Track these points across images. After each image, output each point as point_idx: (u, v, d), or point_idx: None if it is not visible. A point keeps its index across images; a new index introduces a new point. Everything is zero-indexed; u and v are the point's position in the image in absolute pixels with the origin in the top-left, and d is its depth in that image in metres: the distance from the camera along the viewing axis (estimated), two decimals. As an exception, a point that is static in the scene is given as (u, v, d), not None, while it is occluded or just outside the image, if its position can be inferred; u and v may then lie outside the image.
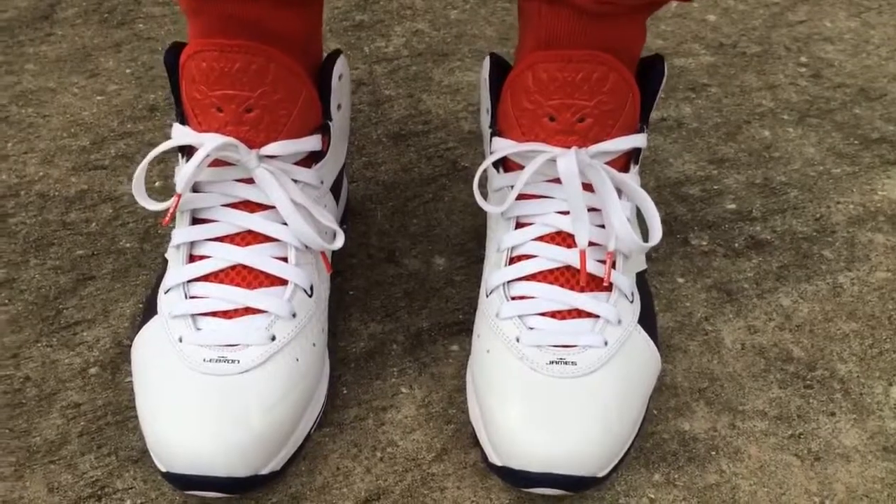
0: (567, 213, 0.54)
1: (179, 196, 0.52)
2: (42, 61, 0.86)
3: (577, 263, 0.53)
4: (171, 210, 0.53)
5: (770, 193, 0.74)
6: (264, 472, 0.49)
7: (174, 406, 0.49)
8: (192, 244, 0.54)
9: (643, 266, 0.57)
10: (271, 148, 0.53)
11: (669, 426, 0.56)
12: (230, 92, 0.52)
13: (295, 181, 0.54)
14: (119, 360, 0.59)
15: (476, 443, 0.54)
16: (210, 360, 0.50)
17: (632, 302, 0.54)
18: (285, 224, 0.54)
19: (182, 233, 0.54)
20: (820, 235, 0.70)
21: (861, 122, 0.82)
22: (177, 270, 0.54)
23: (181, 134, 0.54)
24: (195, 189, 0.55)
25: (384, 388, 0.58)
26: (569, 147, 0.53)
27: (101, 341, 0.60)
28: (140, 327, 0.55)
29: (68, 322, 0.61)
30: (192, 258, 0.54)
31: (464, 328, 0.62)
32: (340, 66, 0.57)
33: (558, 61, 0.51)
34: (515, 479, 0.50)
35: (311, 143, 0.55)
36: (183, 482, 0.48)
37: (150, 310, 0.55)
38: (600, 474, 0.49)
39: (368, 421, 0.56)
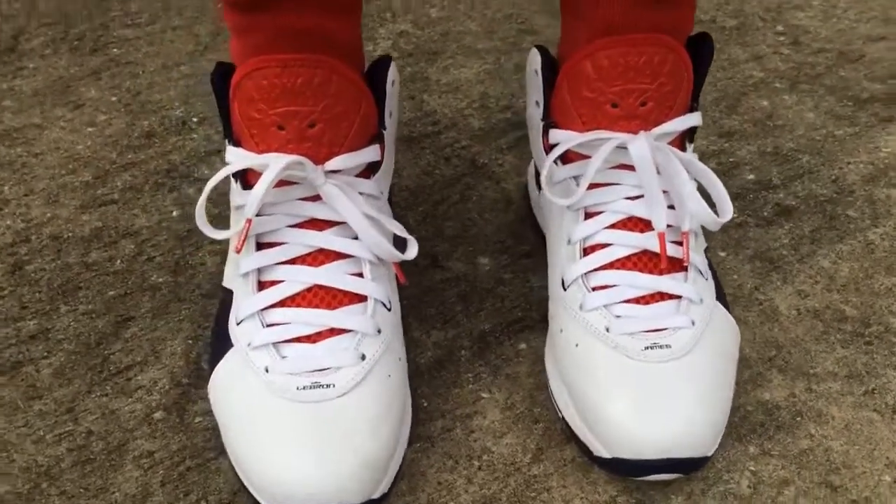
0: (635, 198, 0.54)
1: (250, 221, 0.50)
2: (19, 97, 0.81)
3: (653, 247, 0.53)
4: (242, 237, 0.50)
5: (783, 161, 0.76)
6: (376, 496, 0.48)
7: (275, 441, 0.47)
8: (260, 270, 0.52)
9: (705, 243, 0.58)
10: (335, 162, 0.52)
11: (751, 398, 0.57)
12: (293, 108, 0.50)
13: (360, 194, 0.53)
14: (183, 401, 0.56)
15: (569, 438, 0.54)
16: (304, 388, 0.48)
17: (707, 279, 0.54)
18: (356, 239, 0.52)
19: (250, 260, 0.52)
20: (840, 196, 0.72)
21: (850, 84, 0.85)
22: (248, 299, 0.52)
23: (240, 157, 0.52)
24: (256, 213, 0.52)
25: (463, 395, 0.57)
26: (632, 132, 0.53)
27: (159, 383, 0.57)
28: (213, 363, 0.52)
29: (118, 367, 0.58)
30: (261, 285, 0.52)
31: (526, 325, 0.61)
32: (393, 72, 0.55)
33: (621, 47, 0.51)
34: (628, 469, 0.49)
35: (371, 153, 0.53)
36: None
37: (221, 344, 0.53)
38: (710, 453, 0.50)
39: (457, 431, 0.55)
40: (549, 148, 0.57)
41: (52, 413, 0.55)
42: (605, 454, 0.50)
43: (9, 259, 0.65)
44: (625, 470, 0.50)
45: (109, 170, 0.74)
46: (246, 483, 0.49)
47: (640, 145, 0.52)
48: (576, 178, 0.55)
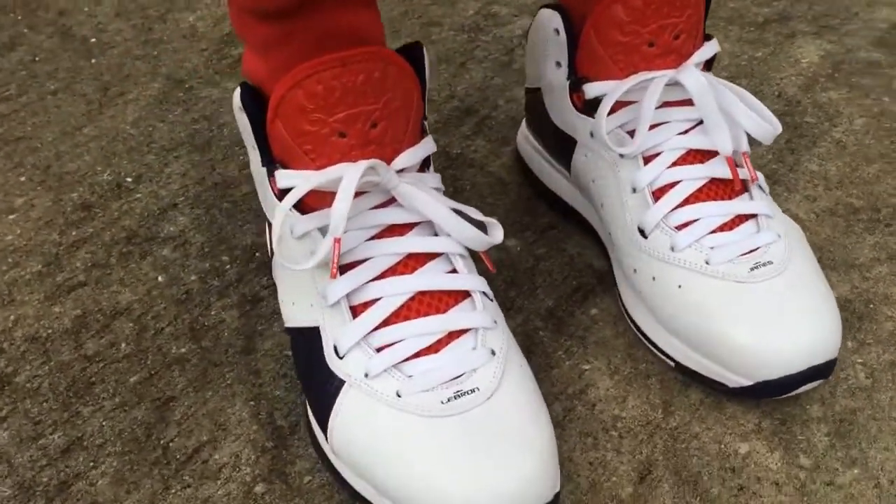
0: (686, 131, 0.54)
1: (339, 241, 0.45)
2: None
3: (719, 174, 0.53)
4: (334, 260, 0.45)
5: (726, 89, 0.79)
6: (557, 489, 0.44)
7: (437, 463, 0.43)
8: (349, 295, 0.47)
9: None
10: (401, 160, 0.48)
11: (821, 299, 0.58)
12: (355, 110, 0.45)
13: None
14: (280, 466, 0.50)
15: (690, 382, 0.53)
16: (448, 401, 0.44)
17: (766, 193, 0.55)
18: (437, 236, 0.49)
19: (338, 285, 0.47)
20: (791, 108, 0.76)
21: (742, 13, 0.90)
22: (346, 328, 0.46)
23: (301, 178, 0.46)
24: (322, 234, 0.47)
25: (565, 373, 0.54)
26: (670, 67, 0.53)
27: (242, 456, 0.50)
28: (321, 412, 0.47)
29: (185, 453, 0.50)
30: (354, 310, 0.47)
31: (587, 291, 0.60)
32: (428, 58, 0.52)
33: (654, -17, 0.51)
34: (773, 389, 0.49)
35: (428, 145, 0.50)
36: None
37: (322, 387, 0.47)
38: (837, 353, 0.50)
39: (578, 408, 0.52)
40: (582, 105, 0.56)
41: (136, 524, 0.47)
42: (746, 382, 0.49)
43: (-12, 376, 0.55)
44: (769, 391, 0.49)
45: (58, 253, 0.64)
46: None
47: (693, 75, 0.52)
48: (622, 126, 0.55)
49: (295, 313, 0.50)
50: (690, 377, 0.53)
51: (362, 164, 0.45)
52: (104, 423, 0.52)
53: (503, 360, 0.46)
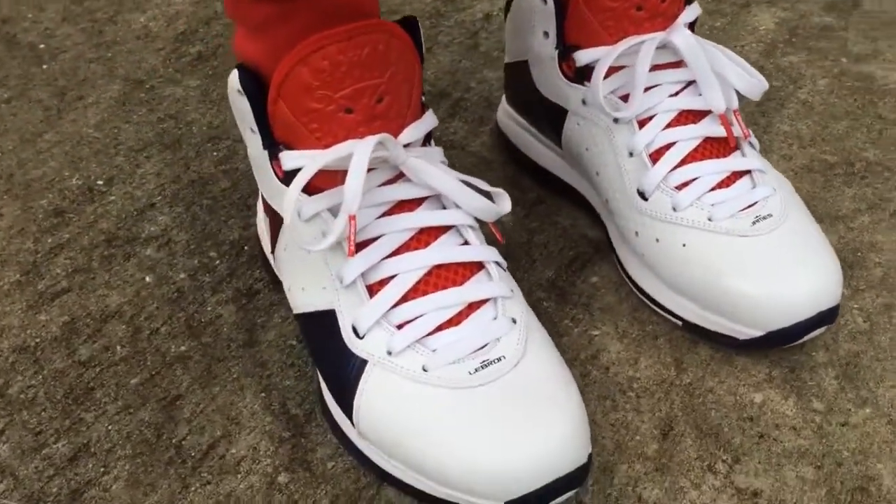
0: (677, 93, 0.55)
1: (354, 218, 0.44)
2: None
3: (713, 133, 0.54)
4: (350, 238, 0.44)
5: (690, 59, 0.80)
6: (590, 451, 0.44)
7: (470, 434, 0.43)
8: (363, 274, 0.46)
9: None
10: (406, 135, 0.47)
11: (811, 251, 0.60)
12: (361, 84, 0.44)
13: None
14: (301, 454, 0.49)
15: (698, 339, 0.54)
16: (476, 371, 0.44)
17: (756, 149, 0.56)
18: (445, 209, 0.48)
19: (352, 265, 0.46)
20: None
21: (696, -14, 0.92)
22: (365, 308, 0.46)
23: (309, 158, 0.45)
24: (333, 214, 0.47)
25: (575, 340, 0.55)
26: (659, 30, 0.53)
27: (261, 448, 0.49)
28: (344, 394, 0.46)
29: (200, 450, 0.49)
30: (370, 289, 0.46)
31: (584, 260, 0.60)
32: (421, 32, 0.51)
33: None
34: (782, 337, 0.50)
35: (430, 119, 0.49)
36: (534, 499, 0.42)
37: (343, 369, 0.46)
38: (840, 300, 0.52)
39: (594, 373, 0.53)
40: (572, 73, 0.56)
41: (159, 526, 0.45)
42: (757, 333, 0.50)
43: (-23, 390, 0.53)
44: (779, 340, 0.50)
45: (35, 261, 0.62)
46: (446, 494, 0.43)
47: (683, 35, 0.52)
48: (613, 92, 0.55)
49: (305, 298, 0.49)
50: (698, 335, 0.53)
51: (372, 139, 0.44)
52: (110, 428, 0.50)
53: (524, 327, 0.46)
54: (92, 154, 0.71)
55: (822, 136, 0.70)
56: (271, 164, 0.48)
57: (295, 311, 0.50)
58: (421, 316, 0.45)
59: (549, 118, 0.60)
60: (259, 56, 0.47)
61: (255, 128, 0.47)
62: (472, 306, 0.46)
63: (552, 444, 0.42)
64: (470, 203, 0.48)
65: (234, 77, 0.47)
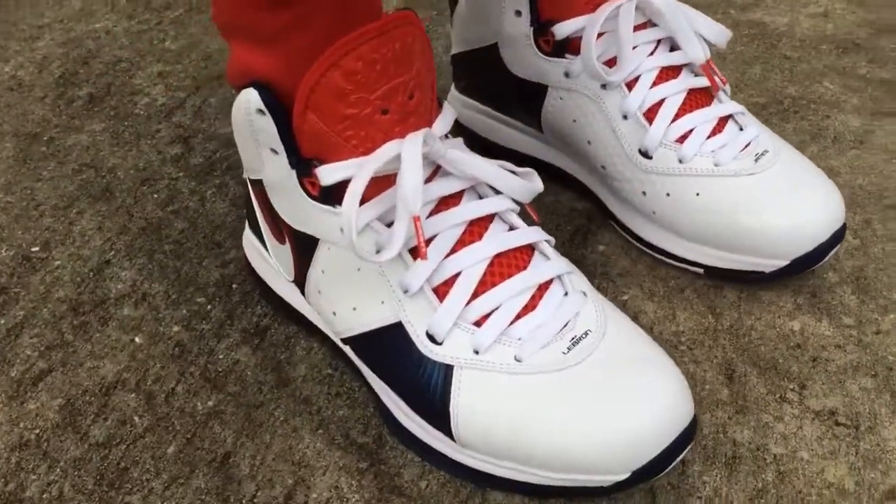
0: (652, 53, 0.56)
1: (418, 218, 0.42)
2: None
3: (695, 84, 0.56)
4: (419, 239, 0.42)
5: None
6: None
7: (590, 409, 0.42)
8: (428, 277, 0.44)
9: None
10: (437, 129, 0.45)
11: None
12: (395, 82, 0.42)
13: (466, 152, 0.47)
14: (387, 481, 0.46)
15: (720, 282, 0.55)
16: (569, 349, 0.43)
17: (729, 94, 0.59)
18: (484, 198, 0.47)
19: (418, 271, 0.44)
20: (660, 34, 0.81)
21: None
22: (438, 313, 0.43)
23: (351, 167, 0.42)
24: (383, 222, 0.44)
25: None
26: (628, -8, 0.55)
27: (342, 485, 0.45)
28: (435, 404, 0.44)
29: (276, 500, 0.45)
30: (436, 292, 0.44)
31: (586, 232, 0.61)
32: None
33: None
34: (805, 261, 0.53)
35: (450, 111, 0.48)
36: (659, 463, 0.42)
37: (425, 379, 0.44)
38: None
39: (639, 335, 0.53)
40: (551, 48, 0.56)
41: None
42: (783, 263, 0.53)
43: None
44: (802, 265, 0.53)
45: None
46: (562, 480, 0.42)
47: (659, -8, 0.54)
48: (597, 59, 0.55)
49: (360, 318, 0.46)
50: (722, 278, 0.55)
51: (419, 134, 0.42)
52: (174, 497, 0.45)
53: (595, 297, 0.46)
54: (12, 221, 0.64)
55: (743, 81, 0.74)
56: (301, 183, 0.45)
57: (345, 336, 0.47)
58: (497, 308, 0.44)
59: (525, 99, 0.60)
60: (273, 70, 0.43)
61: (279, 147, 0.44)
62: (542, 288, 0.45)
63: (666, 404, 0.42)
64: (510, 186, 0.46)
65: (249, 98, 0.43)
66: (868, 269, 0.56)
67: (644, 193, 0.56)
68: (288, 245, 0.49)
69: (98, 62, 0.82)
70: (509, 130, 0.64)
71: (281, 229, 0.49)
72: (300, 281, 0.49)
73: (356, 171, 0.42)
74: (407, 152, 0.42)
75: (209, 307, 0.56)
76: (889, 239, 0.59)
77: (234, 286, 0.57)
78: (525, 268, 0.45)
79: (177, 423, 0.49)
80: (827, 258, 0.53)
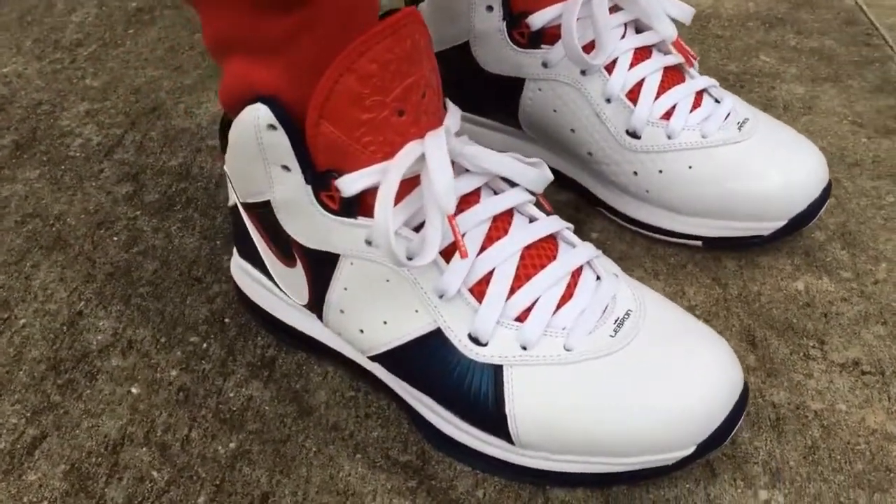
0: (623, 36, 0.56)
1: (453, 218, 0.41)
2: None
3: (669, 62, 0.56)
4: (458, 240, 0.41)
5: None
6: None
7: (649, 386, 0.41)
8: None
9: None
10: (450, 126, 0.44)
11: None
12: (408, 81, 0.41)
13: (475, 146, 0.46)
14: (440, 496, 0.44)
15: (721, 253, 0.56)
16: (615, 332, 0.43)
17: (697, 69, 0.60)
18: (499, 193, 0.46)
19: (455, 272, 0.42)
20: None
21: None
22: (479, 314, 0.42)
23: (374, 175, 0.41)
24: (410, 227, 0.43)
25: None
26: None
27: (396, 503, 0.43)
28: (487, 409, 0.42)
29: (332, 538, 0.42)
30: (472, 292, 0.43)
31: (573, 221, 0.60)
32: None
33: None
34: (802, 218, 0.54)
35: (455, 108, 0.46)
36: (722, 433, 0.41)
37: (477, 385, 0.42)
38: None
39: (655, 314, 0.53)
40: (526, 40, 0.56)
41: None
42: (781, 223, 0.54)
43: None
44: (798, 224, 0.54)
45: None
46: (625, 465, 0.42)
47: (630, -26, 0.54)
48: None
49: (392, 332, 0.44)
50: (721, 247, 0.56)
51: (440, 130, 0.41)
52: (211, 559, 0.42)
53: (625, 277, 0.46)
54: (-40, 285, 0.58)
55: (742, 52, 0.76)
56: (318, 198, 0.42)
57: (375, 352, 0.45)
58: (537, 300, 0.43)
59: (500, 96, 0.59)
60: (277, 82, 0.41)
61: (292, 163, 0.42)
62: (574, 275, 0.44)
63: (720, 373, 0.42)
64: (526, 177, 0.45)
65: (258, 114, 0.41)
66: (850, 223, 0.58)
67: (635, 174, 0.56)
68: (300, 267, 0.46)
69: (16, 107, 0.76)
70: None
71: (290, 252, 0.46)
72: (316, 303, 0.47)
73: (381, 177, 0.40)
74: (432, 152, 0.40)
75: (205, 345, 0.53)
76: (861, 194, 0.61)
77: (226, 320, 0.54)
78: (555, 257, 0.44)
79: (200, 470, 0.46)
80: (819, 215, 0.55)
